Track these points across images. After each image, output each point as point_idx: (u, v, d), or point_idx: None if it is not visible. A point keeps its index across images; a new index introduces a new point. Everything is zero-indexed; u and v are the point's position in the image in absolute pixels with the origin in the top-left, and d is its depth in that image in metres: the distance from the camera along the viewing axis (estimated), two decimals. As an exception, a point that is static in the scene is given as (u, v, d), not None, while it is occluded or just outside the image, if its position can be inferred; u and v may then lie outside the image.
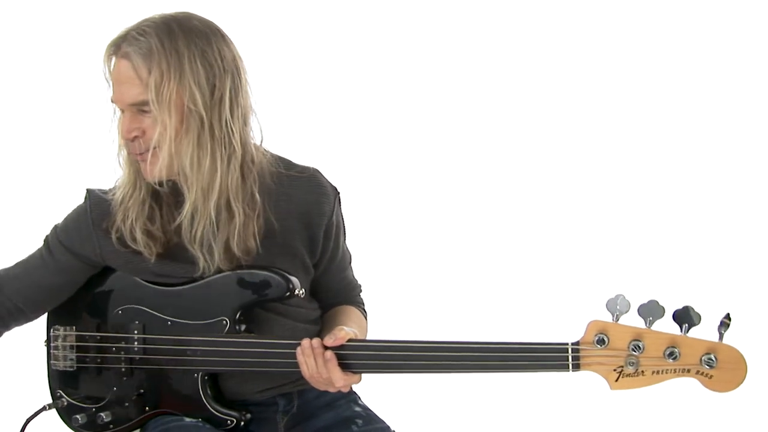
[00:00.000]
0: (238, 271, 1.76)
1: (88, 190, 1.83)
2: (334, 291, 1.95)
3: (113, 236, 1.76)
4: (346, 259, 1.97)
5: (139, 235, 1.73)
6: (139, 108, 1.66)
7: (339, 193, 1.90)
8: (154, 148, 1.67)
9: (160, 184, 1.73)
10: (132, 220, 1.74)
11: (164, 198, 1.77)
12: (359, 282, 2.02)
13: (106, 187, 1.84)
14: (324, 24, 3.39)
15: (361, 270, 2.01)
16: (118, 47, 1.67)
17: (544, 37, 3.65)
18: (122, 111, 1.71)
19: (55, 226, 1.85)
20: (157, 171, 1.69)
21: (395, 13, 3.64)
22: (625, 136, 3.65)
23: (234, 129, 1.68)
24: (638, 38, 3.59)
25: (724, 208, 3.53)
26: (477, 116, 3.71)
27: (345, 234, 1.95)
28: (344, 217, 1.93)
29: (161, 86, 1.62)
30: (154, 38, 1.64)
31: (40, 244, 1.87)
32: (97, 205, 1.79)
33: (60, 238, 1.82)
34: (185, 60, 1.63)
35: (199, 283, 1.77)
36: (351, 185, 1.99)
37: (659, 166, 3.61)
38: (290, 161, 1.85)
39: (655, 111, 3.63)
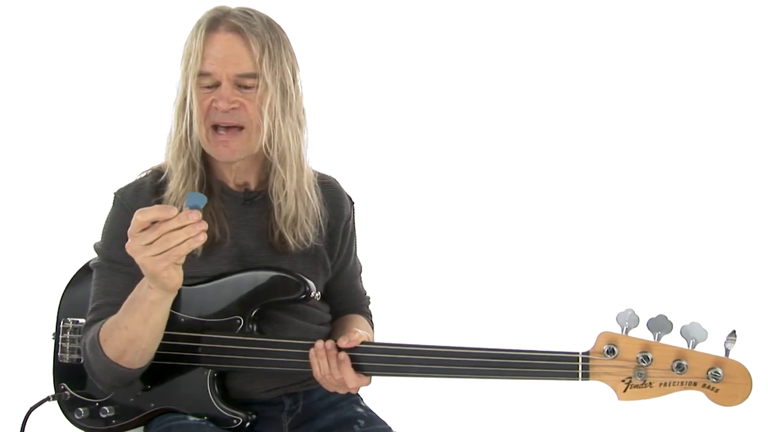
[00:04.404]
0: (255, 272, 1.79)
1: (115, 193, 1.82)
2: (344, 298, 1.99)
3: None
4: (357, 268, 2.03)
5: None
6: (242, 82, 1.71)
7: (354, 203, 1.99)
8: (242, 128, 1.72)
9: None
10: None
11: (213, 193, 1.80)
12: (368, 294, 2.07)
13: (122, 183, 1.85)
14: (319, 31, 3.45)
15: (372, 276, 2.05)
16: (220, 22, 1.72)
17: (552, 44, 3.74)
18: (208, 87, 1.71)
19: (101, 246, 1.81)
20: (237, 152, 1.74)
21: (402, 20, 3.74)
22: (641, 148, 3.73)
23: (307, 117, 1.81)
24: (638, 39, 3.69)
25: (737, 225, 3.60)
26: (489, 127, 3.80)
27: (357, 245, 2.01)
28: (357, 229, 2.00)
29: (271, 62, 1.71)
30: (259, 20, 1.74)
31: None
32: (134, 202, 1.77)
33: (118, 248, 1.72)
34: (282, 45, 1.75)
35: (215, 282, 1.79)
36: (361, 194, 2.04)
37: (674, 181, 3.68)
38: (312, 168, 1.91)
39: (671, 120, 3.71)
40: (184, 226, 1.50)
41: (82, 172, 3.44)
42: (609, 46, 3.70)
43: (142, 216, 1.50)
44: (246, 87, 1.71)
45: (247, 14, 1.74)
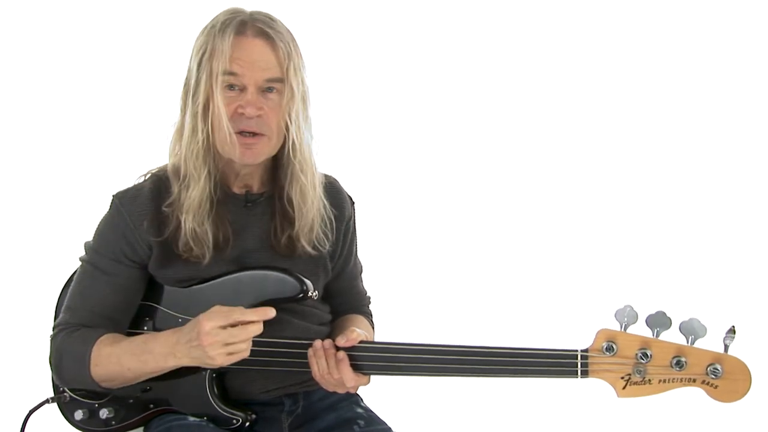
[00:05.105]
0: (253, 272, 1.78)
1: (114, 196, 1.81)
2: (344, 298, 1.99)
3: (169, 237, 1.75)
4: (358, 268, 2.02)
5: (209, 237, 1.75)
6: (269, 87, 1.71)
7: (354, 203, 1.98)
8: (264, 135, 1.72)
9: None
10: (198, 222, 1.74)
11: (218, 197, 1.79)
12: (368, 294, 2.06)
13: (120, 187, 1.84)
14: (318, 30, 3.45)
15: (372, 275, 2.05)
16: (247, 27, 1.71)
17: (547, 41, 3.74)
18: (230, 88, 1.70)
19: (93, 247, 1.81)
20: (261, 156, 1.75)
21: (402, 18, 3.74)
22: (638, 146, 3.73)
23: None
24: (638, 39, 3.68)
25: (735, 220, 3.59)
26: (488, 125, 3.78)
27: (357, 245, 2.00)
28: (357, 228, 1.99)
29: (296, 71, 1.72)
30: (282, 26, 1.75)
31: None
32: (131, 207, 1.78)
33: (107, 254, 1.78)
34: (300, 53, 1.76)
35: (212, 282, 1.79)
36: (361, 193, 2.03)
37: (672, 177, 3.68)
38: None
39: (668, 118, 3.71)
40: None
41: (82, 172, 3.45)
42: (609, 46, 3.69)
43: (242, 316, 1.61)
44: (270, 93, 1.71)
45: (271, 19, 1.74)
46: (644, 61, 3.68)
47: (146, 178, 1.84)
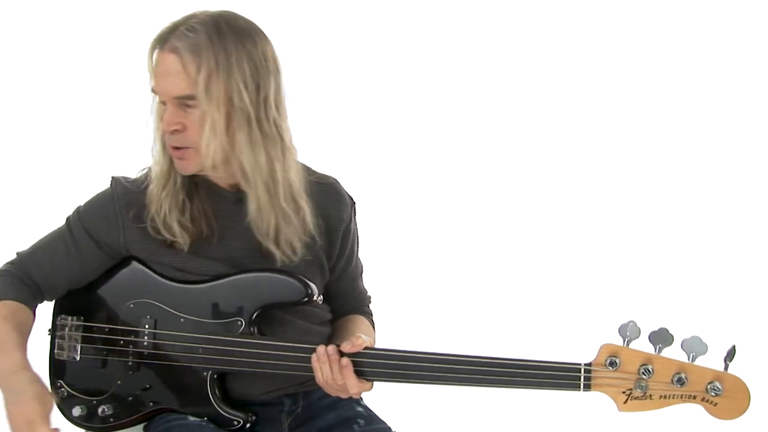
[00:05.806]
0: (258, 274, 1.79)
1: (113, 177, 1.84)
2: (345, 299, 1.99)
3: (148, 225, 1.77)
4: (358, 268, 2.03)
5: (175, 226, 1.76)
6: (183, 102, 1.69)
7: (355, 203, 1.97)
8: (189, 148, 1.71)
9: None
10: (166, 212, 1.76)
11: (199, 191, 1.81)
12: (369, 294, 2.07)
13: (128, 174, 1.87)
14: (322, 29, 3.42)
15: (374, 280, 2.05)
16: (166, 41, 1.69)
17: (550, 42, 3.73)
18: (164, 103, 1.73)
19: (78, 211, 1.85)
20: (191, 167, 1.74)
21: (406, 20, 3.72)
22: (644, 160, 3.74)
23: (283, 126, 1.75)
24: (638, 39, 3.68)
25: (738, 240, 3.63)
26: (492, 131, 3.78)
27: (358, 245, 2.00)
28: (358, 228, 1.99)
29: (209, 82, 1.66)
30: (204, 35, 1.67)
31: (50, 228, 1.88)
32: (123, 194, 1.81)
33: (85, 225, 1.82)
34: (233, 59, 1.67)
35: (216, 282, 1.79)
36: (362, 193, 2.03)
37: (678, 195, 3.71)
38: (311, 168, 1.91)
39: (677, 133, 3.72)
40: None
41: (80, 166, 3.43)
42: (609, 46, 3.69)
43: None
44: (188, 108, 1.69)
45: (193, 30, 1.67)
46: (648, 71, 3.68)
47: (145, 173, 1.85)
